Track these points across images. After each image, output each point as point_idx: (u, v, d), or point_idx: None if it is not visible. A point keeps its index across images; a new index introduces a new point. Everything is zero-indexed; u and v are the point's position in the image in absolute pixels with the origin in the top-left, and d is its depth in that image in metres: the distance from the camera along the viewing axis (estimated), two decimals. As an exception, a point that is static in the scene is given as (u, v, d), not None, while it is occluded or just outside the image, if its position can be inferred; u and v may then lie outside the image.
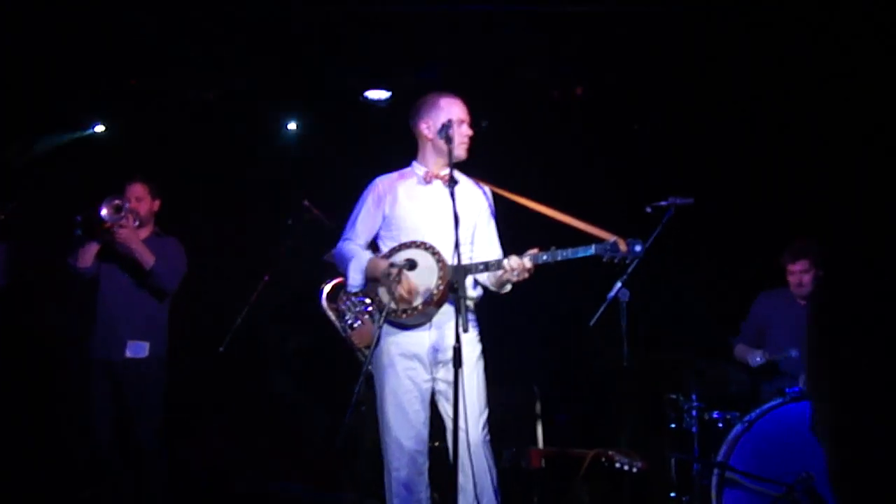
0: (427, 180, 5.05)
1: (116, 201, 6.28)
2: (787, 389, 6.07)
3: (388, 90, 7.78)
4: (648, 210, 5.91)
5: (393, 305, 4.68)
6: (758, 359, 6.53)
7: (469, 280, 4.93)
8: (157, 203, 6.67)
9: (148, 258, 6.36)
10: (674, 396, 6.32)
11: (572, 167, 7.50)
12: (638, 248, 4.58)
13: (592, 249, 4.60)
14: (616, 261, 4.59)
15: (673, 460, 6.22)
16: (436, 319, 4.85)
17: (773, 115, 7.21)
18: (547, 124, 7.76)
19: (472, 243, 5.02)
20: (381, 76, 7.75)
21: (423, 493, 4.89)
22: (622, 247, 4.56)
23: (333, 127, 7.97)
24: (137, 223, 6.45)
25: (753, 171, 7.33)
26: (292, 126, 8.24)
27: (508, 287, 4.95)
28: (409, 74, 7.54)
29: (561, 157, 7.61)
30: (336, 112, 7.93)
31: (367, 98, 7.79)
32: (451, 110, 5.02)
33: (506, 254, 4.91)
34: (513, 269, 4.67)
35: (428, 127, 5.05)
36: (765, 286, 6.86)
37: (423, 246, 4.84)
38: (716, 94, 7.27)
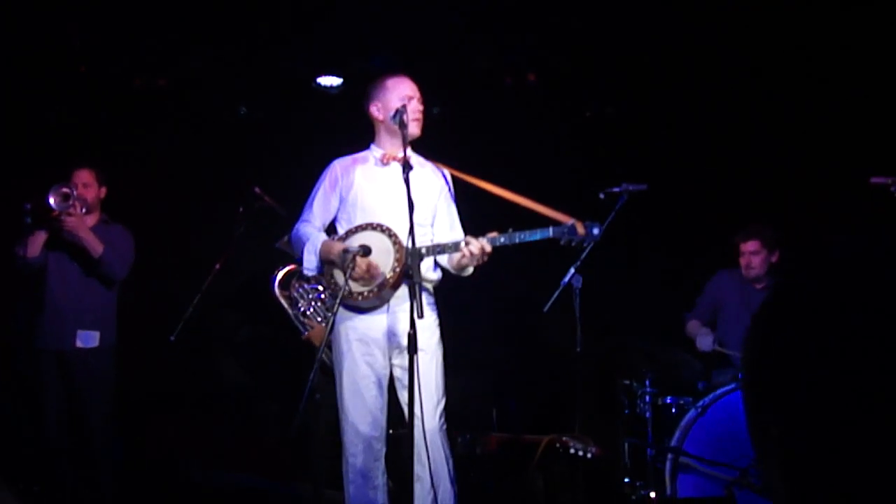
0: (384, 162, 5.04)
1: (64, 189, 6.20)
2: (740, 374, 6.12)
3: (339, 77, 7.73)
4: (602, 196, 5.93)
5: (348, 288, 4.65)
6: (708, 343, 6.56)
7: (429, 263, 4.93)
8: (103, 190, 6.59)
9: (96, 246, 6.29)
10: (627, 382, 6.36)
11: (526, 154, 7.49)
12: (595, 230, 4.58)
13: (550, 232, 4.59)
14: (573, 244, 4.59)
15: (627, 445, 6.25)
16: (393, 304, 4.83)
17: (724, 100, 7.24)
18: (500, 111, 7.75)
19: (431, 226, 5.01)
20: (332, 63, 7.70)
21: (380, 479, 4.88)
22: (580, 230, 4.56)
23: (285, 114, 7.92)
24: (84, 210, 6.36)
25: (706, 156, 7.37)
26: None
27: (470, 270, 4.95)
28: (361, 61, 7.50)
29: (514, 145, 7.60)
30: (288, 99, 7.87)
31: (319, 84, 7.74)
32: (398, 89, 5.01)
33: (467, 235, 4.89)
34: (471, 253, 4.65)
35: (378, 109, 5.05)
36: (716, 271, 6.91)
37: (379, 228, 4.82)
38: (668, 79, 7.29)
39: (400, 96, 4.96)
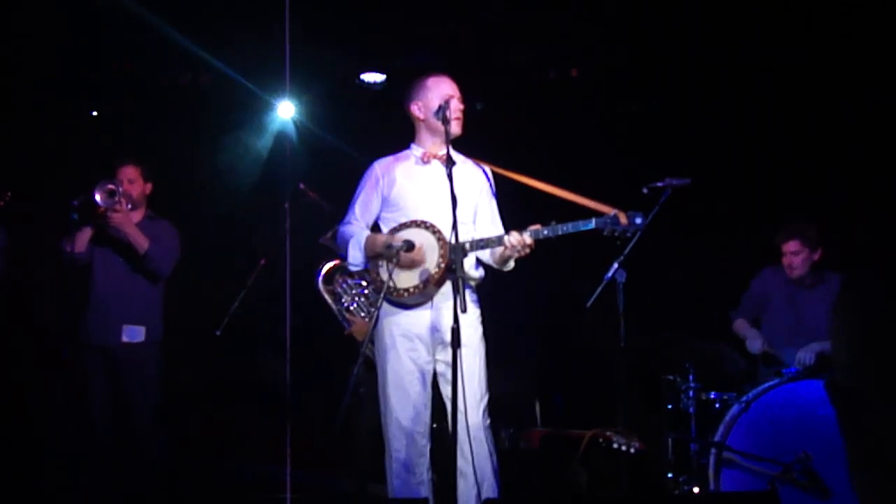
0: (425, 161, 5.06)
1: (110, 186, 6.25)
2: (784, 370, 6.10)
3: (382, 73, 7.76)
4: (645, 191, 5.91)
5: (392, 284, 4.68)
6: (757, 346, 6.55)
7: (471, 261, 4.95)
8: (149, 186, 6.63)
9: (142, 242, 6.33)
10: (671, 377, 6.33)
11: (568, 150, 7.48)
12: (638, 220, 4.57)
13: (593, 223, 4.58)
14: (617, 234, 4.57)
15: (670, 441, 6.23)
16: (436, 300, 4.85)
17: (770, 94, 7.19)
18: (543, 106, 7.74)
19: (473, 223, 5.02)
20: (376, 60, 7.73)
21: (424, 474, 4.90)
22: (622, 220, 4.55)
23: (330, 110, 7.95)
24: (130, 206, 6.41)
25: (751, 150, 7.32)
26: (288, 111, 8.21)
27: (511, 264, 4.96)
28: (404, 58, 7.52)
29: (557, 140, 7.60)
30: (332, 95, 7.90)
31: (362, 81, 7.76)
32: (438, 88, 5.04)
33: (507, 231, 4.90)
34: (513, 246, 4.66)
35: (419, 108, 5.07)
36: (761, 267, 6.87)
37: (423, 225, 4.84)
38: (713, 73, 7.25)
39: (440, 95, 4.98)
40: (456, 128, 4.95)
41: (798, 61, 6.97)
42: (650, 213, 5.83)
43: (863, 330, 2.49)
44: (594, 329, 6.33)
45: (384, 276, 4.83)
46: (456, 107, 4.97)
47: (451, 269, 4.61)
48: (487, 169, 5.19)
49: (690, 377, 6.19)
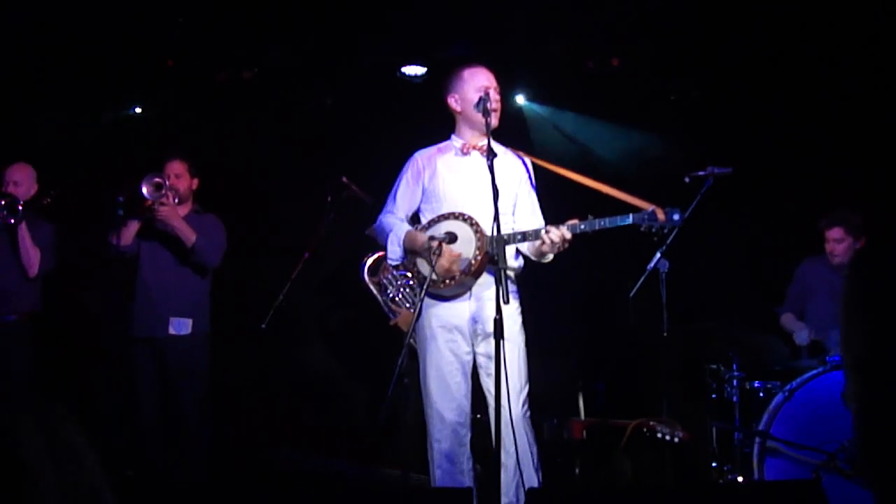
0: (465, 152, 5.09)
1: (157, 179, 6.31)
2: (827, 358, 6.07)
3: (423, 66, 7.78)
4: (687, 180, 5.90)
5: (433, 276, 4.71)
6: (804, 337, 6.52)
7: (510, 251, 4.95)
8: (195, 181, 6.69)
9: (189, 235, 6.39)
10: (714, 366, 6.32)
11: (609, 139, 7.48)
12: (676, 216, 4.57)
13: (630, 219, 4.60)
14: (654, 230, 4.58)
15: (714, 430, 6.23)
16: (476, 291, 4.88)
17: (812, 82, 7.15)
18: (583, 96, 7.74)
19: (513, 214, 5.04)
20: (416, 53, 7.75)
21: (465, 464, 4.93)
22: (660, 216, 4.55)
23: (371, 103, 7.99)
24: (177, 200, 6.48)
25: (792, 138, 7.28)
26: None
27: (550, 257, 4.97)
28: (444, 50, 7.53)
29: (597, 130, 7.60)
30: (373, 88, 7.94)
31: (403, 74, 7.79)
32: (475, 80, 5.06)
33: (547, 223, 4.91)
34: (552, 241, 4.68)
35: (456, 100, 5.11)
36: (804, 256, 6.84)
37: (461, 217, 4.87)
38: (753, 61, 7.22)
39: (476, 87, 5.00)
40: (494, 119, 4.95)
41: (841, 47, 6.93)
42: (692, 201, 5.84)
43: (851, 307, 2.52)
44: (637, 319, 6.33)
45: (424, 269, 4.87)
46: (493, 98, 4.97)
47: (492, 260, 4.64)
48: (527, 159, 5.21)
49: (734, 366, 6.18)
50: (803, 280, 6.82)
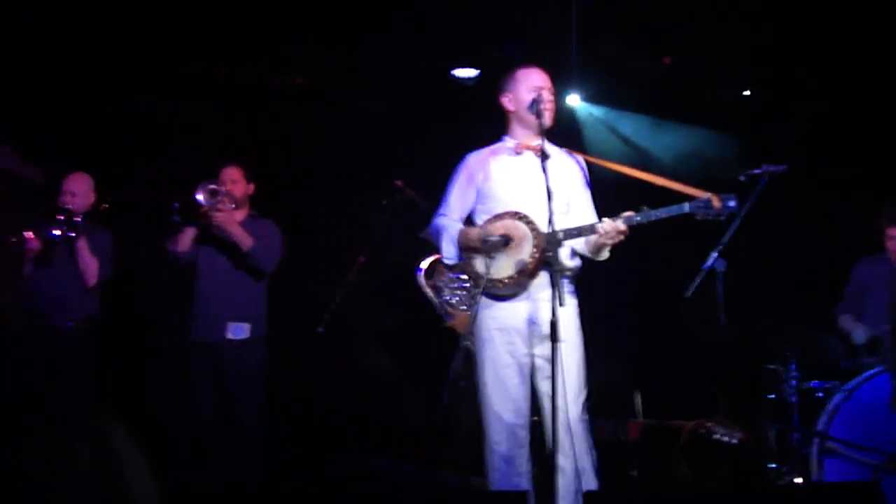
0: (518, 152, 5.08)
1: (212, 186, 6.36)
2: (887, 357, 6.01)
3: (475, 68, 7.79)
4: (742, 178, 5.86)
5: (488, 276, 4.70)
6: (861, 337, 6.44)
7: (566, 251, 4.93)
8: (251, 187, 6.73)
9: (246, 240, 6.43)
10: (772, 366, 6.27)
11: (662, 139, 7.45)
12: (732, 203, 4.52)
13: (686, 207, 4.56)
14: (710, 217, 4.53)
15: (772, 431, 6.18)
16: (532, 291, 4.86)
17: (871, 77, 7.08)
18: (636, 96, 7.72)
19: (566, 214, 5.01)
20: (468, 55, 7.76)
21: (524, 466, 4.90)
22: (716, 203, 4.50)
23: (423, 106, 8.01)
24: (233, 206, 6.52)
25: (848, 135, 7.22)
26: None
27: (606, 254, 4.93)
28: (496, 52, 7.54)
29: (652, 129, 7.57)
30: (425, 91, 7.96)
31: (455, 76, 7.80)
32: (528, 80, 5.05)
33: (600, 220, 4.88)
34: (607, 232, 4.64)
35: (510, 100, 5.10)
36: (862, 253, 6.77)
37: (516, 216, 4.86)
38: (807, 58, 7.16)
39: (529, 87, 5.00)
40: (548, 119, 4.94)
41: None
42: (747, 200, 5.80)
43: None
44: (694, 319, 6.29)
45: (480, 268, 4.87)
46: (546, 98, 4.97)
47: (546, 262, 4.64)
48: (581, 158, 5.20)
49: (792, 366, 6.13)
50: (860, 280, 6.74)
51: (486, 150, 5.23)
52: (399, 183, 6.88)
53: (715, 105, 7.74)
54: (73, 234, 6.44)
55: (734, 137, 7.40)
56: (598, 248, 4.89)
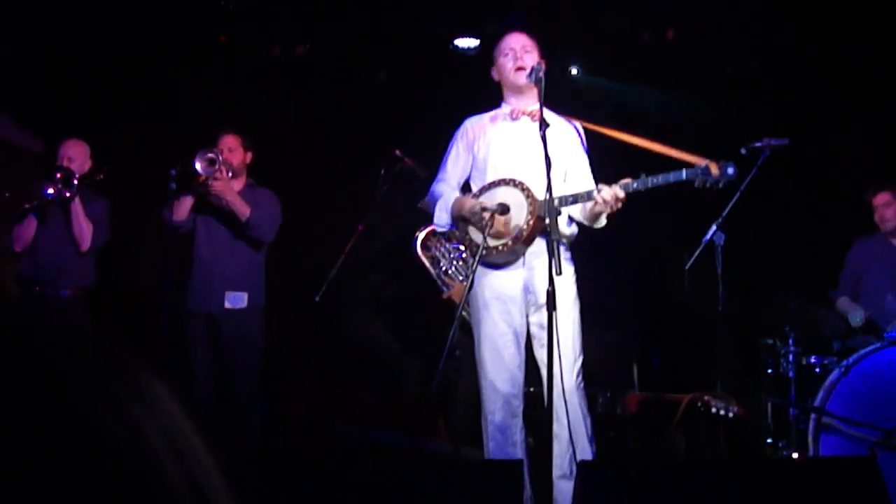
0: (514, 117, 5.07)
1: (210, 154, 6.32)
2: (885, 334, 6.00)
3: (476, 38, 7.74)
4: (743, 152, 5.82)
5: (486, 245, 4.68)
6: (858, 318, 6.42)
7: (563, 218, 4.90)
8: (249, 155, 6.68)
9: (244, 209, 6.40)
10: (770, 341, 6.27)
11: (665, 112, 7.41)
12: (730, 170, 4.48)
13: (684, 174, 4.52)
14: (709, 185, 4.50)
15: (769, 405, 6.18)
16: (528, 259, 4.85)
17: (871, 51, 7.04)
18: (638, 68, 7.68)
19: (564, 181, 4.98)
20: (469, 25, 7.72)
21: (518, 435, 4.91)
22: (714, 170, 4.47)
23: (424, 76, 7.98)
24: (231, 175, 6.49)
25: (849, 110, 7.19)
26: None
27: (603, 221, 4.91)
28: (497, 22, 7.49)
29: (653, 102, 7.53)
30: (426, 61, 7.93)
31: (456, 47, 7.76)
32: (502, 46, 5.11)
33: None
34: (605, 200, 4.61)
35: (496, 72, 5.15)
36: (863, 228, 6.75)
37: (511, 183, 4.84)
38: (810, 32, 7.12)
39: (505, 52, 5.04)
40: (516, 77, 4.99)
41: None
42: (748, 173, 5.77)
43: None
44: (693, 292, 6.28)
45: (475, 237, 4.85)
46: (518, 56, 5.00)
47: (545, 230, 4.61)
48: (579, 125, 5.17)
49: (790, 341, 6.12)
50: (855, 260, 6.74)
51: (484, 116, 5.23)
52: (398, 152, 6.86)
53: (717, 77, 7.69)
54: (69, 195, 6.40)
55: (737, 110, 7.37)
56: (596, 216, 4.87)
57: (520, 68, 4.97)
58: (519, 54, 5.00)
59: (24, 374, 0.75)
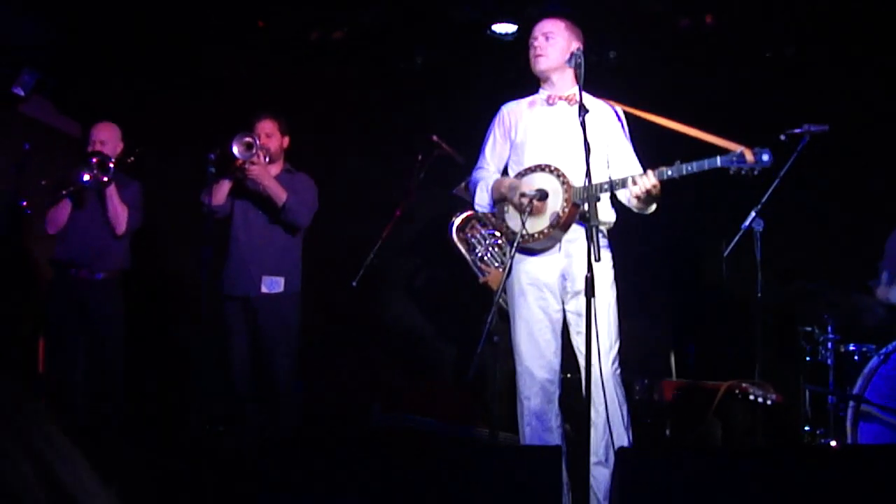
0: (550, 102, 5.06)
1: (247, 139, 6.33)
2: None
3: (514, 23, 7.72)
4: (783, 138, 5.78)
5: (524, 232, 4.67)
6: None
7: (603, 205, 4.88)
8: (286, 140, 6.70)
9: (280, 194, 6.42)
10: (809, 328, 6.22)
11: (703, 97, 7.36)
12: (766, 157, 4.43)
13: (718, 161, 4.48)
14: (744, 172, 4.45)
15: (808, 393, 6.14)
16: (565, 245, 4.84)
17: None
18: (677, 54, 7.63)
19: (608, 167, 4.96)
20: (507, 11, 7.69)
21: (554, 421, 4.91)
22: (749, 157, 4.42)
23: (461, 62, 7.97)
24: (268, 159, 6.51)
25: (890, 96, 7.11)
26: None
27: (652, 207, 4.88)
28: (535, 7, 7.46)
29: (692, 88, 7.48)
30: (464, 46, 7.91)
31: (493, 32, 7.74)
32: (531, 33, 5.12)
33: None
34: (640, 187, 4.60)
35: (529, 61, 5.14)
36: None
37: (547, 169, 4.83)
38: (850, 17, 7.05)
39: (530, 41, 5.09)
40: (535, 64, 5.06)
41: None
42: (788, 160, 5.73)
43: None
44: (731, 279, 6.25)
45: (512, 224, 4.85)
46: (533, 45, 5.06)
47: (584, 217, 4.60)
48: (619, 109, 5.14)
49: (829, 328, 6.08)
50: (894, 248, 6.66)
51: (522, 101, 5.24)
52: (435, 138, 6.85)
53: (757, 63, 7.63)
54: (105, 180, 6.45)
55: (776, 96, 7.31)
56: (645, 202, 4.82)
57: (537, 56, 5.03)
58: (538, 42, 5.03)
59: None
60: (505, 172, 5.15)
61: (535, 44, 5.05)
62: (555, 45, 5.00)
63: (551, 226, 4.74)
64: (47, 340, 6.88)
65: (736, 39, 7.53)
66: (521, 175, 4.94)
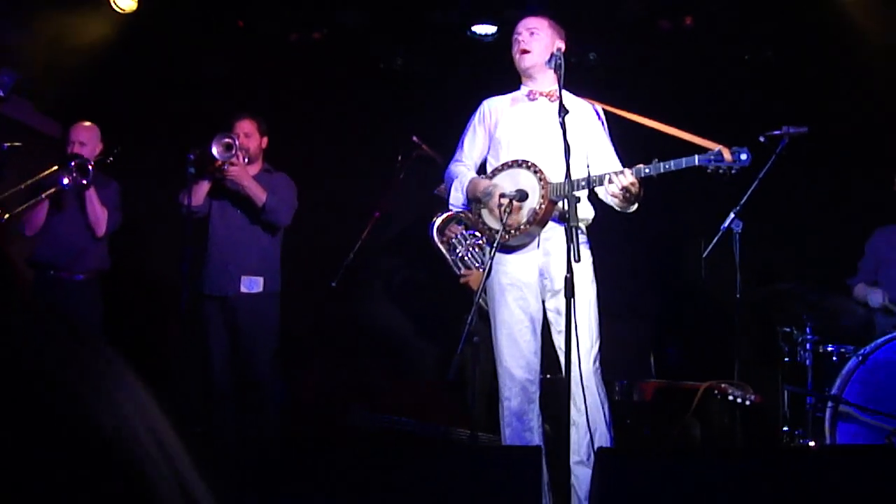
0: (531, 98, 5.07)
1: (227, 139, 6.32)
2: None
3: (494, 24, 7.72)
4: (762, 140, 5.80)
5: (502, 231, 4.66)
6: (879, 299, 6.39)
7: (583, 201, 4.85)
8: (265, 140, 6.68)
9: (260, 194, 6.40)
10: (787, 329, 6.25)
11: (683, 99, 7.39)
12: (744, 156, 4.43)
13: (696, 160, 4.47)
14: (721, 171, 4.45)
15: (786, 393, 6.16)
16: (544, 244, 4.84)
17: (892, 37, 7.00)
18: (656, 56, 7.65)
19: (588, 165, 4.95)
20: (487, 11, 7.70)
21: (535, 422, 4.91)
22: (727, 155, 4.42)
23: (441, 62, 7.97)
24: (247, 160, 6.49)
25: (869, 98, 7.14)
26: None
27: (634, 206, 4.85)
28: (516, 8, 7.47)
29: (671, 90, 7.50)
30: (444, 47, 7.92)
31: (473, 33, 7.74)
32: (514, 30, 5.15)
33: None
34: (618, 186, 4.60)
35: (512, 58, 5.14)
36: (882, 216, 6.71)
37: (523, 165, 4.83)
38: (828, 20, 7.08)
39: (513, 37, 5.12)
40: (519, 59, 5.06)
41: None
42: (767, 161, 5.76)
43: None
44: (710, 280, 6.27)
45: (490, 222, 4.86)
46: (516, 40, 5.07)
47: (560, 215, 4.61)
48: (598, 106, 5.14)
49: (808, 329, 6.11)
50: (875, 251, 6.68)
51: (504, 97, 5.24)
52: (416, 139, 6.85)
53: (737, 65, 7.66)
54: (85, 182, 6.42)
55: (755, 98, 7.34)
56: (626, 200, 4.78)
57: (522, 52, 5.03)
58: (523, 37, 5.03)
59: (11, 365, 0.74)
60: (483, 167, 5.16)
61: (520, 38, 5.05)
62: (539, 40, 5.01)
63: (528, 222, 4.74)
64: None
65: (715, 41, 7.56)
66: (497, 171, 4.94)
